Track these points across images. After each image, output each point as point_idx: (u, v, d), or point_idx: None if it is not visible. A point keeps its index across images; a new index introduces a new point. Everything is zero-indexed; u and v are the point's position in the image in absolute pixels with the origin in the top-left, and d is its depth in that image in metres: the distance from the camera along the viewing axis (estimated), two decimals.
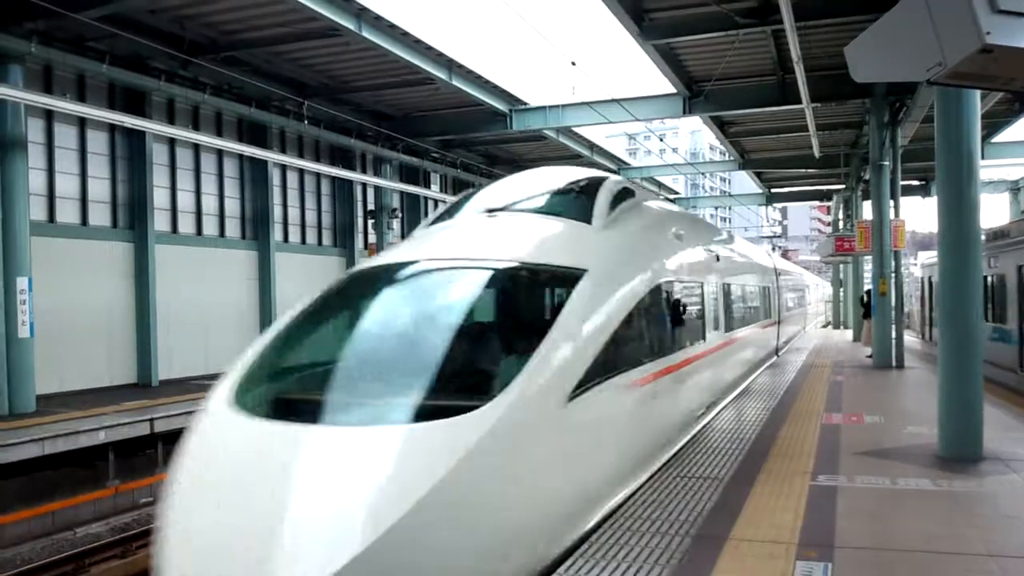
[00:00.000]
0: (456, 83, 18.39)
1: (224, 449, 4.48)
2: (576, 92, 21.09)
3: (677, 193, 40.01)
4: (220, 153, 19.53)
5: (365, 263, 6.82)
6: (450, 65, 18.12)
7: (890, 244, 16.38)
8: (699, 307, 8.84)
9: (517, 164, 27.58)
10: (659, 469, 6.86)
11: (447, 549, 4.06)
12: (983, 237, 11.03)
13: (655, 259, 7.37)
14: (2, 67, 13.33)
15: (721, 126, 23.08)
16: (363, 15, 15.03)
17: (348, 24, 14.71)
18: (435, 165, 25.98)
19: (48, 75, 15.54)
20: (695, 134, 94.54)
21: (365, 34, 15.17)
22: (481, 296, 5.77)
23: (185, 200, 18.91)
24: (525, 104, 21.21)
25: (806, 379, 14.03)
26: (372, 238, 24.03)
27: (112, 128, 16.73)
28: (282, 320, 5.83)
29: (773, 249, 47.88)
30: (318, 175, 22.83)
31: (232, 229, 20.22)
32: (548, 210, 6.95)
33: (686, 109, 18.76)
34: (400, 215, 24.98)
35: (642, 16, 13.83)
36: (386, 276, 6.10)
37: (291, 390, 5.30)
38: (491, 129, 22.01)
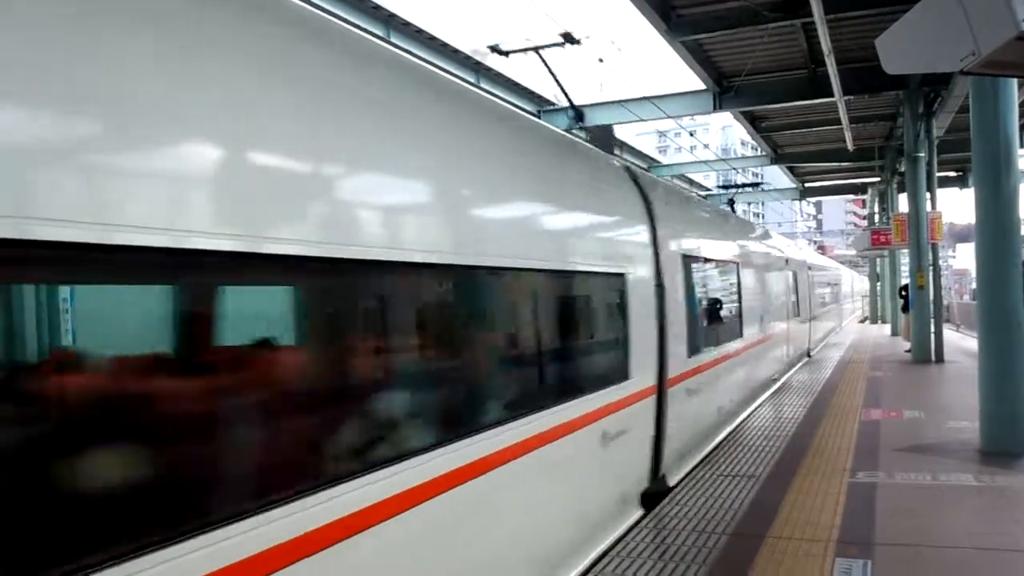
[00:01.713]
0: (484, 86, 18.46)
1: None
2: (604, 89, 21.08)
3: (709, 190, 39.65)
4: None
5: None
6: (477, 68, 18.20)
7: (927, 237, 16.12)
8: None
9: None
10: (695, 466, 6.91)
11: None
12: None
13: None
14: None
15: (752, 121, 22.82)
16: (391, 21, 15.18)
17: (377, 31, 14.86)
18: None
19: None
20: (726, 130, 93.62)
21: (394, 39, 15.31)
22: None
23: None
24: (553, 104, 21.21)
25: (844, 375, 13.87)
26: None
27: None
28: None
29: (808, 243, 47.34)
30: None
31: None
32: None
33: (716, 105, 18.59)
34: None
35: (669, 13, 13.76)
36: None
37: None
38: None
